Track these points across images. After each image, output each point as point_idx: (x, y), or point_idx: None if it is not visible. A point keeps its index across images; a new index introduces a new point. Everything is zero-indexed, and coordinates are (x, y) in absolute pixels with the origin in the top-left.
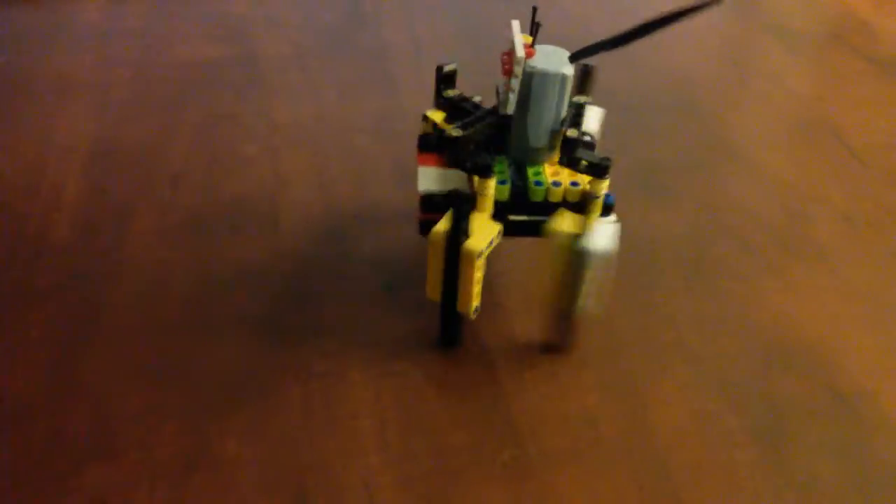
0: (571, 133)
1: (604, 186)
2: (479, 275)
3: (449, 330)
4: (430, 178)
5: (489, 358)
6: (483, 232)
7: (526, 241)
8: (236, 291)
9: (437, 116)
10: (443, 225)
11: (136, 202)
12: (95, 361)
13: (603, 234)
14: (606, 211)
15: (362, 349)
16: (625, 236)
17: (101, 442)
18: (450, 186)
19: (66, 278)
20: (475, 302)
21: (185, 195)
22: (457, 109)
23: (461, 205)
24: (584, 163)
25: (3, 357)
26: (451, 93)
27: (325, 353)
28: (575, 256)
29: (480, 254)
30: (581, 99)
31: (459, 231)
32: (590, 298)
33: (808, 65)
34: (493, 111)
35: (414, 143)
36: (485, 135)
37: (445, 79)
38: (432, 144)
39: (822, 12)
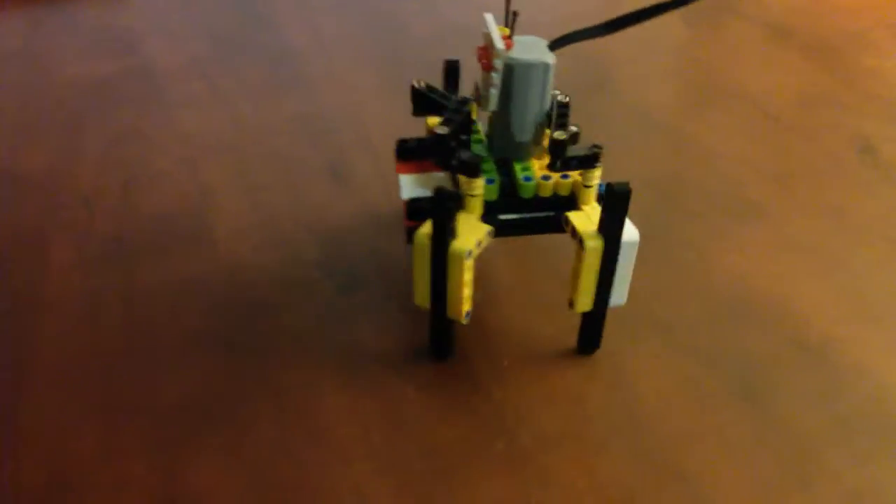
0: (559, 135)
1: (597, 176)
2: (468, 277)
3: (440, 339)
4: (413, 184)
5: (462, 350)
6: (470, 232)
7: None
8: (180, 312)
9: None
10: (427, 227)
11: (49, 232)
12: (37, 403)
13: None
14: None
15: (328, 355)
16: None
17: (60, 492)
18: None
19: None
20: (466, 306)
21: (103, 219)
22: (428, 102)
23: (446, 203)
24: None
25: None
26: (417, 83)
27: (291, 365)
28: (607, 252)
29: (469, 254)
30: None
31: (445, 232)
32: (620, 290)
33: (709, 35)
34: (465, 101)
35: (344, 141)
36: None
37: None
38: (412, 150)
39: None
